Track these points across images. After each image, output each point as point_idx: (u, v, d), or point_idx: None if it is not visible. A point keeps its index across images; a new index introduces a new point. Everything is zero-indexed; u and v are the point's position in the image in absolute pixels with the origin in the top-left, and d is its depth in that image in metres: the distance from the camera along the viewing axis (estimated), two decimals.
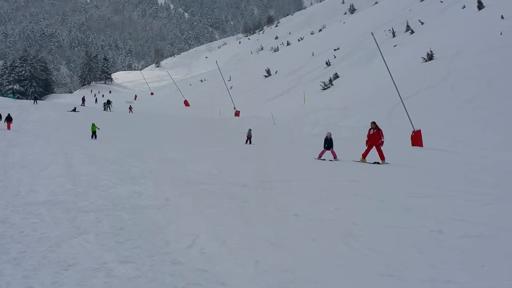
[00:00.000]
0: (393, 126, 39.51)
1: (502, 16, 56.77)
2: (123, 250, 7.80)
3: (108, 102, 76.13)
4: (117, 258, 7.37)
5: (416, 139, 32.79)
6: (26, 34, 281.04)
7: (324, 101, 58.65)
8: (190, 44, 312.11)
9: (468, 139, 33.37)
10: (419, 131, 32.93)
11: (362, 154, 21.88)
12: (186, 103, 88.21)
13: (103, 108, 73.55)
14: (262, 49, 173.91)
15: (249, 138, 34.46)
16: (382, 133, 21.44)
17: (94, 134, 29.73)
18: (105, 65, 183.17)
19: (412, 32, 74.30)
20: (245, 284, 6.49)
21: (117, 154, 22.85)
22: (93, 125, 29.81)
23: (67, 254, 7.53)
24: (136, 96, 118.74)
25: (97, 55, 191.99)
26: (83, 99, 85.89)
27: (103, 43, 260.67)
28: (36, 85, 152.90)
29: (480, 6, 65.44)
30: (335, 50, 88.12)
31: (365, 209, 11.17)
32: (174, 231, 9.08)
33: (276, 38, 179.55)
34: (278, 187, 14.34)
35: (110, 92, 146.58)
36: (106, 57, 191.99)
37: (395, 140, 33.77)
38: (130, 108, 72.75)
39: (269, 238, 8.61)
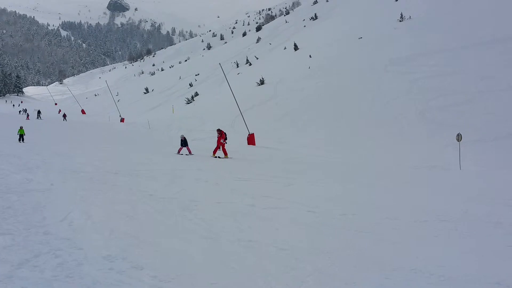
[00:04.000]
0: (235, 131, 39.97)
1: (310, 55, 59.64)
2: (5, 224, 7.00)
3: (39, 112, 68.06)
4: None
5: (251, 140, 33.33)
6: None
7: (188, 112, 58.12)
8: (87, 67, 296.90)
9: (287, 140, 34.59)
10: (253, 134, 33.52)
11: (213, 151, 21.83)
12: (83, 111, 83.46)
13: (36, 117, 65.13)
14: (142, 72, 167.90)
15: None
16: (224, 135, 21.52)
17: (21, 137, 25.59)
18: (18, 81, 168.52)
19: (250, 64, 75.84)
20: (99, 248, 6.07)
21: (21, 150, 20.87)
22: (21, 128, 25.80)
23: None
24: (58, 106, 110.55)
25: (11, 73, 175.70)
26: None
27: (17, 64, 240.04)
28: None
29: (296, 48, 68.41)
30: (196, 75, 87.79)
31: (203, 190, 11.02)
32: (52, 209, 8.33)
33: (153, 65, 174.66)
34: (142, 174, 13.75)
35: (21, 102, 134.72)
36: (18, 75, 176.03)
37: (236, 141, 34.19)
38: (64, 115, 64.27)
39: (126, 212, 8.17)
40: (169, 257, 5.70)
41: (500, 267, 5.39)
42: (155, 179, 12.67)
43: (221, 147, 21.47)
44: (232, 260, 5.62)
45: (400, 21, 59.59)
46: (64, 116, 62.56)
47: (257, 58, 77.86)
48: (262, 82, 56.21)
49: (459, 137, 22.13)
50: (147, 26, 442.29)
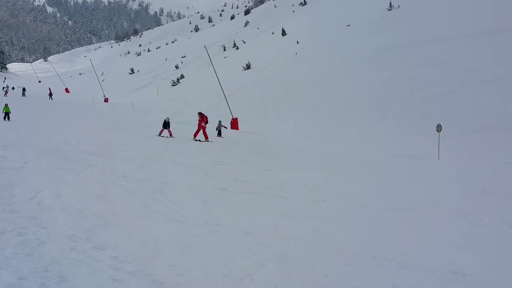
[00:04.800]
0: (219, 115, 39.84)
1: (297, 41, 59.46)
2: None
3: (23, 89, 66.50)
4: None
5: (234, 124, 33.22)
6: None
7: (173, 94, 57.68)
8: (73, 45, 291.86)
9: (271, 126, 34.60)
10: (236, 118, 33.41)
11: (194, 134, 21.73)
12: (67, 90, 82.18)
13: (21, 94, 63.63)
14: (128, 53, 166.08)
15: (218, 130, 26.11)
16: (205, 119, 21.40)
17: (7, 115, 24.58)
18: (2, 57, 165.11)
19: (237, 48, 75.38)
20: (64, 227, 6.03)
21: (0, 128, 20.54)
22: (6, 106, 24.82)
23: None
24: (42, 84, 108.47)
25: None
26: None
27: (1, 39, 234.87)
28: None
29: (284, 33, 68.10)
30: (182, 57, 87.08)
31: (178, 172, 10.97)
32: (23, 187, 8.22)
33: (140, 45, 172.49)
34: (119, 155, 13.62)
35: (5, 78, 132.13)
36: (2, 51, 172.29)
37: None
38: (50, 93, 62.64)
39: (98, 193, 8.10)
40: (134, 238, 5.69)
41: (459, 257, 5.50)
42: (131, 160, 12.57)
43: (201, 130, 21.37)
44: (196, 243, 5.64)
45: (389, 9, 59.59)
46: (50, 94, 61.50)
47: (244, 42, 77.43)
48: (248, 66, 55.97)
49: (438, 128, 22.35)
50: (135, 6, 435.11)
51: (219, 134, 26.50)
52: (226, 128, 27.03)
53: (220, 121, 27.23)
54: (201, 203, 7.77)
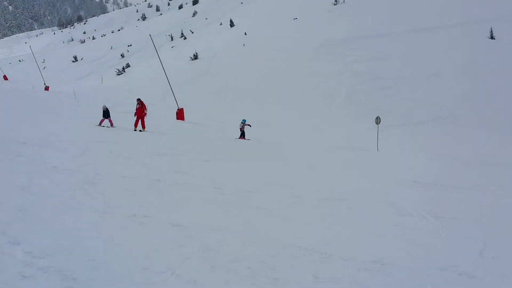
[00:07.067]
0: (166, 104, 39.27)
1: (245, 33, 59.35)
2: None
3: None
4: None
5: (180, 115, 32.75)
6: None
7: (118, 83, 56.26)
8: (13, 31, 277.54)
9: (218, 117, 34.47)
10: (182, 109, 32.95)
11: (134, 124, 21.15)
12: (5, 77, 78.20)
13: None
14: (72, 40, 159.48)
15: (242, 131, 23.65)
16: (145, 107, 20.83)
17: None
18: None
19: (185, 38, 74.39)
20: None
21: None
22: None
23: None
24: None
25: None
26: None
27: None
28: None
29: (232, 24, 67.81)
30: (128, 46, 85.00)
31: (113, 163, 10.56)
32: None
33: (84, 33, 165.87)
34: (53, 145, 12.96)
35: None
36: None
37: (165, 115, 33.59)
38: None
39: (22, 185, 7.67)
40: (52, 232, 5.40)
41: (381, 246, 5.62)
42: (64, 151, 12.02)
43: (141, 119, 20.70)
44: (121, 236, 5.44)
45: (335, 4, 60.52)
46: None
47: (192, 32, 76.51)
48: (196, 57, 55.38)
49: (377, 120, 22.96)
50: None
51: (243, 135, 23.57)
52: (250, 126, 24.12)
53: (243, 121, 24.05)
54: (132, 194, 7.50)
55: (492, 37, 39.10)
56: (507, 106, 28.89)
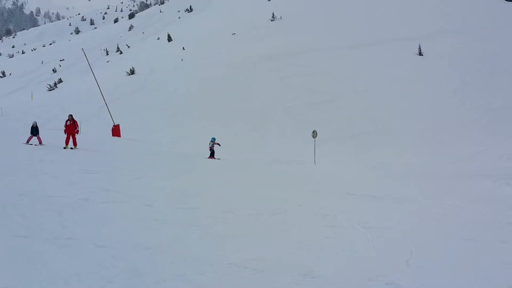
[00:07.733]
0: (101, 121, 38.13)
1: (183, 47, 59.13)
2: None
3: None
4: None
5: (116, 131, 31.90)
6: None
7: (49, 99, 53.99)
8: None
9: (155, 133, 33.88)
10: (118, 125, 32.11)
11: (65, 141, 20.26)
12: None
13: None
14: (0, 54, 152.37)
15: (211, 150, 22.69)
16: (77, 124, 20.08)
17: None
18: None
19: (121, 52, 73.01)
20: None
21: None
22: None
23: None
24: None
25: None
26: None
27: None
28: None
29: (170, 39, 67.43)
30: (61, 60, 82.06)
31: (37, 182, 9.96)
32: None
33: (13, 46, 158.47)
34: None
35: None
36: None
37: (101, 132, 32.59)
38: None
39: None
40: None
41: (312, 259, 5.62)
42: None
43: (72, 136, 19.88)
44: (40, 260, 5.09)
45: (272, 20, 61.68)
46: None
47: (128, 47, 75.27)
48: (132, 71, 54.38)
49: (314, 134, 23.43)
50: (8, 4, 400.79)
51: (212, 154, 22.52)
52: (220, 145, 23.18)
53: (213, 139, 22.90)
54: (56, 215, 7.09)
55: (420, 53, 41.31)
56: (434, 119, 30.43)
